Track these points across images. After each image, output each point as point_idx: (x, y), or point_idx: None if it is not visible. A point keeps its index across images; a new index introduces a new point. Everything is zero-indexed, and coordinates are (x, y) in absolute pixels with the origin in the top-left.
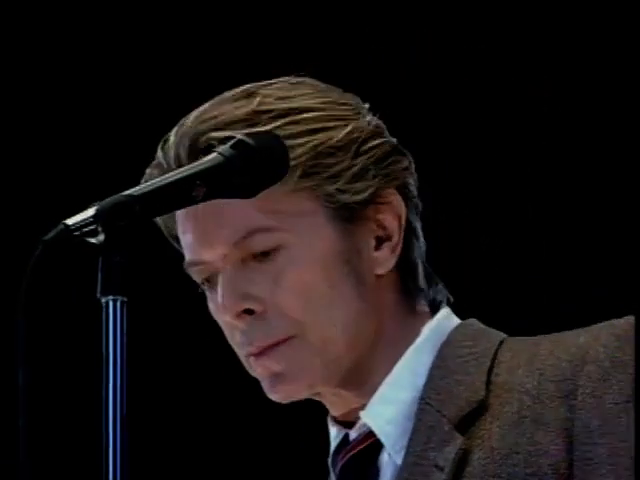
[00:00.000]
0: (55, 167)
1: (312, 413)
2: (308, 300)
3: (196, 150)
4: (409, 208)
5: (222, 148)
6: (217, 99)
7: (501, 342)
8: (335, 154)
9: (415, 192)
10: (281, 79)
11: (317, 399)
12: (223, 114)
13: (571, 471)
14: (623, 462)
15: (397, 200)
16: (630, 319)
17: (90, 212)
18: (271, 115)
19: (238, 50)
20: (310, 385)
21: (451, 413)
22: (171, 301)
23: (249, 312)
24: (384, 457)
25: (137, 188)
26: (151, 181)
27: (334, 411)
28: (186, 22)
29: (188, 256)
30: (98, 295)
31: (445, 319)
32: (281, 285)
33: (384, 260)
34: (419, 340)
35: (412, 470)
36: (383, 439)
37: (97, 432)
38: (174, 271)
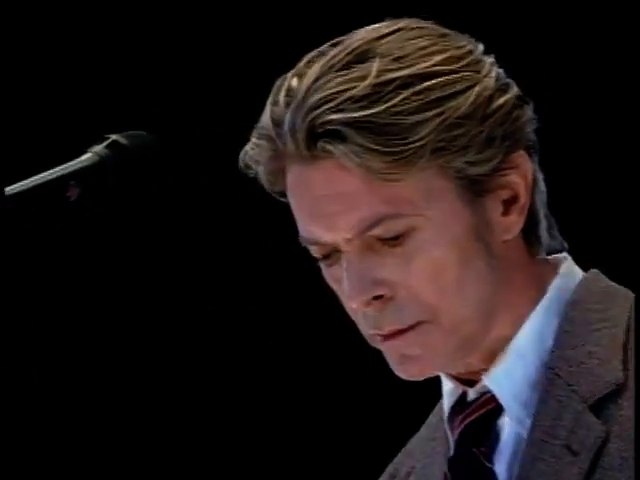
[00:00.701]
0: None
1: (312, 414)
2: (441, 283)
3: (316, 137)
4: (533, 161)
5: (96, 148)
6: (324, 64)
7: (632, 306)
8: (463, 124)
9: (535, 138)
10: (388, 25)
11: None
12: (341, 91)
13: None
14: None
15: (524, 162)
16: None
17: None
18: (392, 87)
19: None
20: (444, 365)
21: (584, 391)
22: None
23: (378, 297)
24: (504, 423)
25: (12, 186)
26: (29, 179)
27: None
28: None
29: (304, 234)
30: None
31: (569, 275)
32: (413, 269)
33: (512, 225)
34: (544, 301)
35: (540, 447)
36: (506, 406)
37: None
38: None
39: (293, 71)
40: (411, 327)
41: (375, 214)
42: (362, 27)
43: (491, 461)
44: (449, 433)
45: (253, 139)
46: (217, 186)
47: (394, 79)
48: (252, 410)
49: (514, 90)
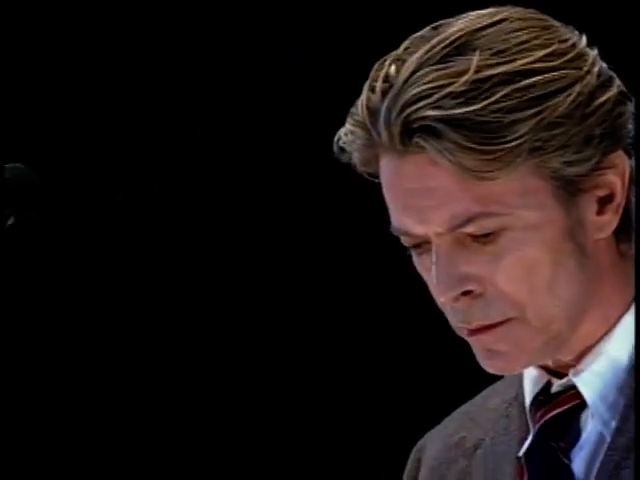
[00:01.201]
0: None
1: (312, 414)
2: (531, 282)
3: (411, 132)
4: (631, 160)
5: None
6: (422, 55)
7: None
8: (562, 124)
9: (633, 134)
10: (491, 14)
11: None
12: (439, 87)
13: None
14: None
15: (622, 161)
16: None
17: None
18: (491, 84)
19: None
20: (531, 361)
21: None
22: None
23: (466, 293)
24: (587, 421)
25: None
26: None
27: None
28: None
29: (396, 224)
30: None
31: None
32: (503, 266)
33: (606, 224)
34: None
35: (626, 455)
36: (592, 405)
37: None
38: None
39: (392, 56)
40: (499, 323)
41: (467, 212)
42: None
43: (569, 457)
44: (530, 421)
45: (348, 125)
46: (217, 186)
47: (493, 75)
48: (252, 410)
49: (616, 85)
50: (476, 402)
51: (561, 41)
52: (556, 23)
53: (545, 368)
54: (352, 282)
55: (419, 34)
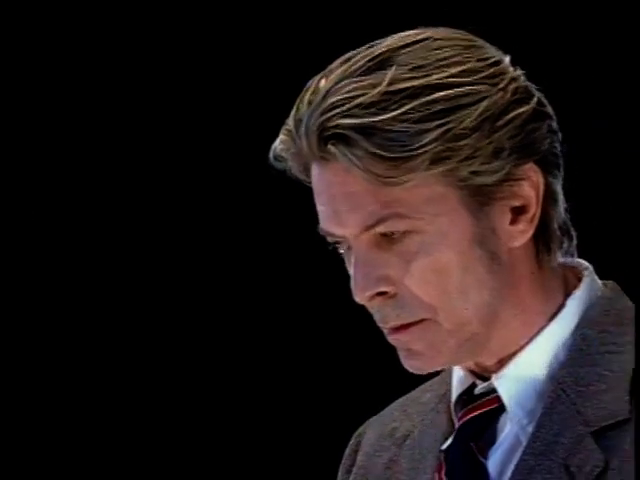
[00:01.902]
0: None
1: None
2: (440, 286)
3: (325, 140)
4: (549, 173)
5: None
6: (346, 69)
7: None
8: (468, 136)
9: (557, 151)
10: (417, 33)
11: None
12: (352, 97)
13: None
14: None
15: (535, 174)
16: None
17: None
18: (401, 96)
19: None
20: (447, 362)
21: (589, 414)
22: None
23: (381, 294)
24: (504, 423)
25: None
26: None
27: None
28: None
29: (321, 224)
30: None
31: (590, 289)
32: (413, 270)
33: (520, 233)
34: (563, 313)
35: (538, 460)
36: (509, 410)
37: None
38: None
39: (325, 71)
40: (413, 323)
41: (377, 214)
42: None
43: (485, 456)
44: (455, 418)
45: (281, 134)
46: (220, 186)
47: (406, 88)
48: (252, 411)
49: (533, 103)
50: (412, 395)
51: (480, 59)
52: (481, 43)
53: (471, 370)
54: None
55: (354, 51)
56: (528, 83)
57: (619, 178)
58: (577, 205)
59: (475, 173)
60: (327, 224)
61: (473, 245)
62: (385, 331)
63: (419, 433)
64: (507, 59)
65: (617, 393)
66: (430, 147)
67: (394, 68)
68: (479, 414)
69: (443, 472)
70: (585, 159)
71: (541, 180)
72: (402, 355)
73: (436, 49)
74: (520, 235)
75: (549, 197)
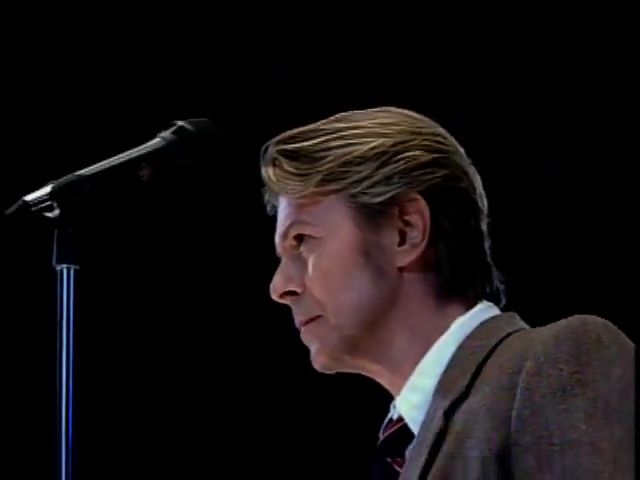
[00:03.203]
0: (15, 146)
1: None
2: (326, 285)
3: (264, 162)
4: (439, 210)
5: (164, 133)
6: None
7: (508, 334)
8: (361, 163)
9: (457, 201)
10: (385, 108)
11: (365, 374)
12: (296, 131)
13: (510, 454)
14: (544, 448)
15: (420, 203)
16: (571, 320)
17: (46, 189)
18: (323, 132)
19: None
20: (331, 355)
21: (447, 400)
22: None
23: (292, 293)
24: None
25: (89, 168)
26: (103, 162)
27: (387, 387)
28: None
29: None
30: (53, 264)
31: (477, 313)
32: (309, 271)
33: (405, 254)
34: (446, 335)
35: (413, 452)
36: (410, 423)
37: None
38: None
39: None
40: (312, 320)
41: (289, 220)
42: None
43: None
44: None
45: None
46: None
47: (327, 128)
48: (252, 412)
49: (434, 156)
50: None
51: (407, 122)
52: (429, 121)
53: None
54: None
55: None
56: (448, 146)
57: (614, 184)
58: (572, 210)
59: (362, 193)
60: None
61: (356, 254)
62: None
63: None
64: (440, 130)
65: (464, 379)
66: (325, 167)
67: (345, 119)
68: (390, 434)
69: None
70: (579, 165)
71: (426, 212)
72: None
73: (382, 112)
74: (406, 256)
75: (438, 231)
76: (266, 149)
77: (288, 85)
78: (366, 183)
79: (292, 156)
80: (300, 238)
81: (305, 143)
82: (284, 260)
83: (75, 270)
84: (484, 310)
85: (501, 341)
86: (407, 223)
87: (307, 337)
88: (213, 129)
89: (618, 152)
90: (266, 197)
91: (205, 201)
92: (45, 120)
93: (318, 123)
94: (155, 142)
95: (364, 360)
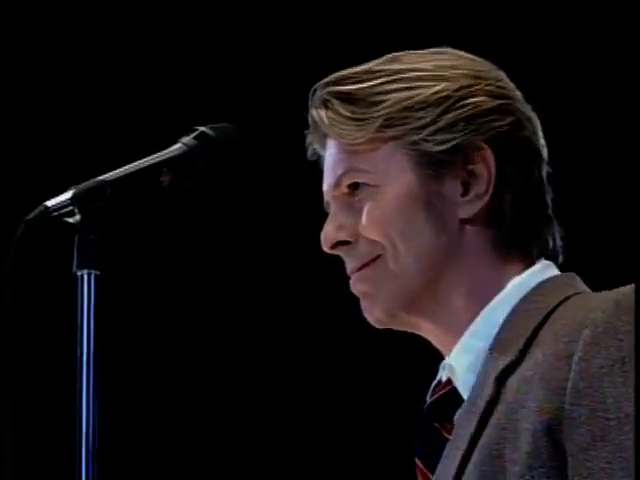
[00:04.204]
0: (36, 152)
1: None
2: (387, 231)
3: (314, 104)
4: (505, 161)
5: (186, 139)
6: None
7: (567, 298)
8: (424, 108)
9: (522, 150)
10: (439, 49)
11: (417, 332)
12: (346, 72)
13: (561, 428)
14: (600, 423)
15: (486, 152)
16: (634, 288)
17: (68, 195)
18: (378, 74)
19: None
20: (386, 309)
21: (499, 365)
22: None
23: (344, 243)
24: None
25: (110, 174)
26: (124, 167)
27: (436, 346)
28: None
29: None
30: (74, 269)
31: (535, 273)
32: (365, 218)
33: (468, 205)
34: (502, 294)
35: (464, 416)
36: (460, 386)
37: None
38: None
39: None
40: (367, 264)
41: (341, 170)
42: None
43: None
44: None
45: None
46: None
47: (386, 69)
48: (252, 413)
49: (500, 102)
50: None
51: (467, 65)
52: (487, 63)
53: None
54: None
55: None
56: (511, 92)
57: (613, 183)
58: (572, 210)
59: (425, 141)
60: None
61: (417, 204)
62: (350, 282)
63: None
64: (500, 73)
65: (517, 343)
66: (383, 112)
67: (398, 59)
68: (439, 396)
69: (416, 454)
70: (579, 165)
71: (492, 161)
72: (362, 307)
73: (438, 54)
74: (469, 207)
75: (503, 182)
76: (314, 91)
77: (288, 85)
78: (429, 130)
79: (347, 99)
80: (354, 186)
81: (361, 85)
82: (334, 208)
83: (96, 275)
84: (542, 269)
85: (559, 305)
86: (471, 173)
87: (361, 285)
88: (234, 134)
89: (618, 152)
90: (309, 140)
91: (222, 206)
92: (66, 125)
93: (371, 64)
94: (176, 147)
95: (418, 318)
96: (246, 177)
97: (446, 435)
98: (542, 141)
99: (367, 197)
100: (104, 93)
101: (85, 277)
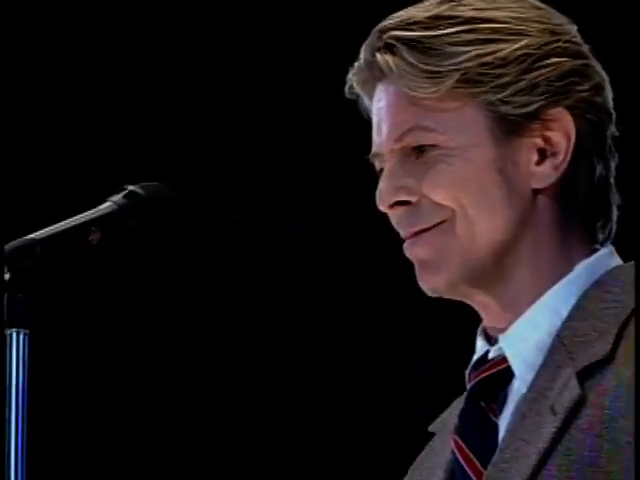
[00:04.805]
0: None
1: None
2: (457, 193)
3: (377, 47)
4: (585, 130)
5: (115, 197)
6: (421, 3)
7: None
8: (504, 66)
9: (601, 115)
10: None
11: (469, 303)
12: (410, 16)
13: None
14: None
15: (567, 119)
16: None
17: None
18: (450, 22)
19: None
20: (449, 280)
21: (579, 359)
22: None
23: (404, 203)
24: (515, 384)
25: (40, 232)
26: (54, 225)
27: (485, 321)
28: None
29: (373, 147)
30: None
31: (604, 259)
32: (433, 180)
33: (543, 175)
34: (570, 276)
35: (531, 405)
36: (515, 368)
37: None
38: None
39: None
40: (432, 227)
41: (408, 124)
42: None
43: (498, 417)
44: (467, 383)
45: (356, 63)
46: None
47: (457, 16)
48: (252, 414)
49: (581, 62)
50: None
51: (543, 17)
52: (553, 11)
53: (488, 337)
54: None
55: None
56: (586, 49)
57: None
58: None
59: (503, 102)
60: (374, 138)
61: (492, 170)
62: (405, 244)
63: (453, 419)
64: (574, 27)
65: (604, 338)
66: (462, 67)
67: (457, 2)
68: (488, 375)
69: (456, 432)
70: None
71: (572, 129)
72: (417, 271)
73: (512, 3)
74: (544, 178)
75: (581, 153)
76: (376, 34)
77: (288, 85)
78: (509, 90)
79: (417, 47)
80: (421, 147)
81: (433, 32)
82: (392, 164)
83: (25, 334)
84: (609, 256)
85: None
86: (548, 140)
87: (421, 250)
88: (164, 193)
89: (618, 151)
90: (352, 78)
91: (222, 208)
92: None
93: (429, 5)
94: (106, 206)
95: (480, 290)
96: (246, 177)
97: (493, 418)
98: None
99: (436, 158)
100: (103, 93)
101: (14, 336)
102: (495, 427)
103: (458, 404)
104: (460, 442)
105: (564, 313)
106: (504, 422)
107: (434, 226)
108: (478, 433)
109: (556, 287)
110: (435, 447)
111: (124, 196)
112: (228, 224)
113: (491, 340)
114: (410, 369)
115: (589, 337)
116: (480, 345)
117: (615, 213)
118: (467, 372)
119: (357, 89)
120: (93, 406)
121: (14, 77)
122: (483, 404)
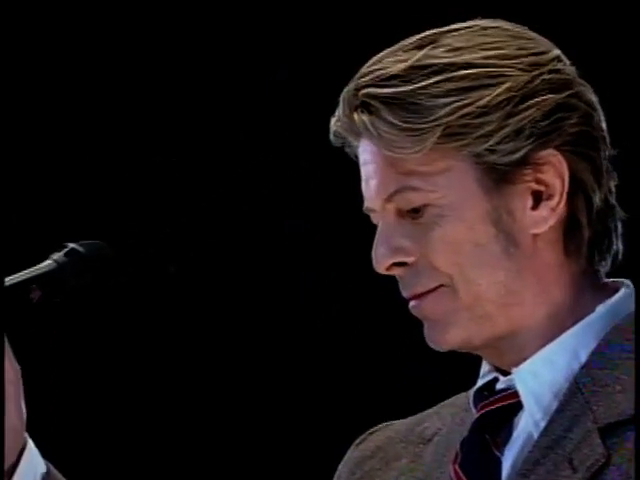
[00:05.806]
0: None
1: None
2: (454, 257)
3: (353, 106)
4: (578, 165)
5: (56, 255)
6: (394, 47)
7: None
8: (486, 114)
9: (593, 144)
10: (474, 22)
11: (479, 354)
12: (383, 69)
13: None
14: None
15: (558, 160)
16: None
17: None
18: (426, 72)
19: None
20: (459, 337)
21: (600, 412)
22: None
23: (400, 264)
24: (521, 421)
25: None
26: None
27: (489, 361)
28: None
29: (364, 201)
30: None
31: (624, 300)
32: (429, 242)
33: (541, 219)
34: (592, 317)
35: (545, 453)
36: (525, 404)
37: None
38: None
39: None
40: (431, 291)
41: (392, 187)
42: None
43: (501, 451)
44: (472, 409)
45: (337, 112)
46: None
47: (433, 64)
48: (252, 414)
49: (566, 94)
50: (447, 402)
51: (520, 48)
52: (532, 36)
53: (497, 367)
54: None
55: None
56: (571, 76)
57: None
58: None
59: (490, 151)
60: (364, 197)
61: (487, 224)
62: (410, 305)
63: (447, 431)
64: (555, 52)
65: (630, 394)
66: (443, 121)
67: (431, 47)
68: (496, 408)
69: (457, 462)
70: None
71: (565, 169)
72: (425, 330)
73: (481, 35)
74: (542, 222)
75: (577, 187)
76: (351, 93)
77: (288, 85)
78: (494, 139)
79: (395, 104)
80: (414, 210)
81: (409, 87)
82: (386, 225)
83: None
84: (629, 297)
85: None
86: (541, 183)
87: (429, 312)
88: (104, 251)
89: (618, 151)
90: (333, 125)
91: (224, 213)
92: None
93: (404, 55)
94: (47, 264)
95: (491, 344)
96: (246, 178)
97: (496, 453)
98: (604, 123)
99: (431, 219)
100: (104, 95)
101: None
102: (498, 461)
103: (441, 409)
104: (461, 474)
105: (583, 357)
106: (508, 458)
107: (435, 289)
108: (481, 467)
109: (576, 328)
110: (425, 458)
111: (65, 254)
112: (228, 224)
113: (498, 369)
114: (410, 369)
115: (609, 389)
116: (486, 370)
117: (619, 233)
118: (472, 395)
119: (346, 137)
120: (77, 418)
121: (14, 77)
122: (488, 437)
